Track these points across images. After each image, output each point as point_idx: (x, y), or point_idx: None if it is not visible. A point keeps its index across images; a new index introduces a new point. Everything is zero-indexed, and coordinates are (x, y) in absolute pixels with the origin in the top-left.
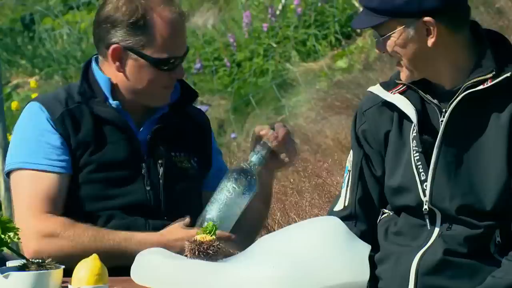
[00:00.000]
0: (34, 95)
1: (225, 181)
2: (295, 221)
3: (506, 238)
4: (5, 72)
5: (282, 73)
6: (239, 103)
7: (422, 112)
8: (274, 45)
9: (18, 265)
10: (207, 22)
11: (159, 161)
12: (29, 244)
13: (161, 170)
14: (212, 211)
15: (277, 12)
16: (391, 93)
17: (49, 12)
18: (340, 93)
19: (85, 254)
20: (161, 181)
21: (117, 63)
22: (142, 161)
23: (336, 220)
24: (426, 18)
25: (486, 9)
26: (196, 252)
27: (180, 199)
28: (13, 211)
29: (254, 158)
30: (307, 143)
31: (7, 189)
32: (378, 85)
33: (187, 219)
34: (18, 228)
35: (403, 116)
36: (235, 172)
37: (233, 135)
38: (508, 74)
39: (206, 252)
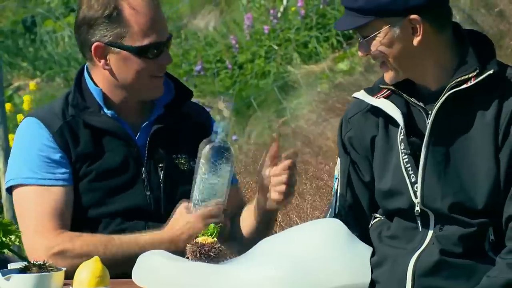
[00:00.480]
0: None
1: (198, 160)
2: (297, 223)
3: (500, 235)
4: (7, 74)
5: (284, 75)
6: (241, 105)
7: (407, 115)
8: (276, 47)
9: (20, 267)
10: (208, 24)
11: (160, 165)
12: None
13: (161, 174)
14: (195, 192)
15: (279, 14)
16: (376, 98)
17: (51, 14)
18: (341, 96)
19: None
20: (161, 185)
21: (102, 61)
22: (142, 166)
23: (337, 222)
24: (413, 16)
25: (487, 11)
26: (198, 254)
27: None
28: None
29: (218, 129)
30: (309, 146)
31: None
32: (362, 90)
33: (184, 204)
34: (20, 231)
35: (388, 120)
36: (205, 149)
37: (234, 137)
38: (491, 72)
39: (208, 254)
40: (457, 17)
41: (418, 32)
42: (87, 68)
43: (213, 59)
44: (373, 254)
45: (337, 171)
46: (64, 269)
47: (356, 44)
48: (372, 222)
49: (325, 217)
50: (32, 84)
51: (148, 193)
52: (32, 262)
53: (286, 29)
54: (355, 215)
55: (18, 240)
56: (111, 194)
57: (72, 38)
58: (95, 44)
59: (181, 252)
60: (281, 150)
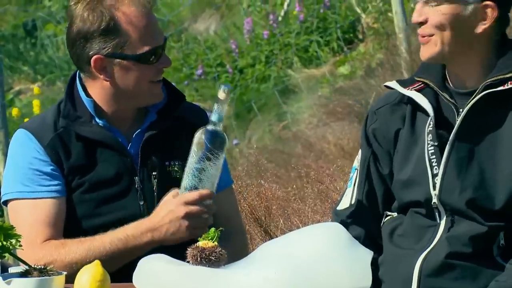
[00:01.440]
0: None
1: (193, 147)
2: (298, 227)
3: (510, 241)
4: (8, 78)
5: (284, 79)
6: (241, 109)
7: (437, 109)
8: (276, 52)
9: (20, 272)
10: (209, 28)
11: (153, 173)
12: None
13: (154, 182)
14: (184, 180)
15: (279, 19)
16: (407, 89)
17: (51, 18)
18: (342, 99)
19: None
20: (155, 193)
21: (102, 74)
22: (135, 175)
23: (338, 226)
24: (489, 2)
25: None
26: (198, 258)
27: None
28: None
29: (213, 117)
30: (309, 149)
31: None
32: (394, 81)
33: (172, 191)
34: (20, 235)
35: (416, 112)
36: (197, 134)
37: (235, 141)
38: None
39: (208, 258)
40: None
41: (487, 21)
42: (79, 76)
43: (214, 63)
44: (380, 253)
45: (356, 162)
46: (65, 273)
47: (358, 48)
48: (384, 220)
49: (335, 208)
50: (36, 88)
51: (141, 202)
52: (32, 266)
53: (286, 33)
54: (369, 206)
55: (19, 244)
56: (105, 204)
57: None
58: (94, 57)
59: (181, 256)
60: (283, 154)
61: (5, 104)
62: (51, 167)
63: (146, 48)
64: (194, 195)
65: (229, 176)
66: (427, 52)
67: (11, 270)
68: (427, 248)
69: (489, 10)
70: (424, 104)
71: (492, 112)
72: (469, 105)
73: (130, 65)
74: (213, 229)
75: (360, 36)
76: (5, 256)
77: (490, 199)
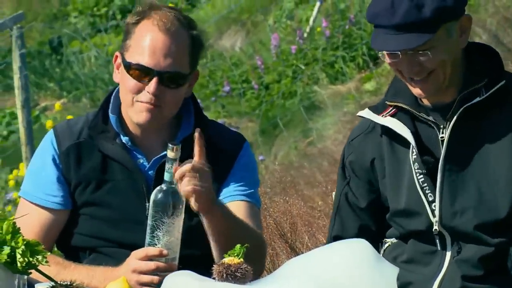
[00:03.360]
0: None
1: (150, 204)
2: (323, 244)
3: None
4: (33, 95)
5: (310, 95)
6: (267, 126)
7: (416, 133)
8: (302, 67)
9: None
10: (234, 45)
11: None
12: None
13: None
14: (146, 236)
15: (305, 35)
16: (382, 116)
17: (77, 35)
18: None
19: None
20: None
21: (117, 71)
22: (146, 202)
23: (363, 243)
24: (465, 15)
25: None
26: (224, 275)
27: (185, 238)
28: None
29: (165, 176)
30: (335, 166)
31: None
32: (367, 109)
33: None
34: (47, 251)
35: (394, 139)
36: (156, 194)
37: (261, 157)
38: (503, 83)
39: (234, 275)
40: (483, 37)
41: (466, 32)
42: (116, 92)
43: (239, 80)
44: None
45: (333, 197)
46: None
47: (383, 64)
48: (384, 247)
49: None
50: (57, 105)
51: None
52: (59, 282)
53: (312, 49)
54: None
55: (45, 260)
56: (111, 227)
57: (99, 58)
58: (116, 52)
59: (208, 273)
60: (308, 170)
61: (31, 120)
62: (58, 176)
63: (136, 60)
64: (141, 252)
65: (257, 198)
66: (427, 89)
67: (37, 286)
68: (438, 274)
69: (465, 22)
70: (402, 132)
71: (474, 126)
72: (451, 125)
73: (122, 69)
74: (238, 245)
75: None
76: (31, 273)
77: (493, 213)
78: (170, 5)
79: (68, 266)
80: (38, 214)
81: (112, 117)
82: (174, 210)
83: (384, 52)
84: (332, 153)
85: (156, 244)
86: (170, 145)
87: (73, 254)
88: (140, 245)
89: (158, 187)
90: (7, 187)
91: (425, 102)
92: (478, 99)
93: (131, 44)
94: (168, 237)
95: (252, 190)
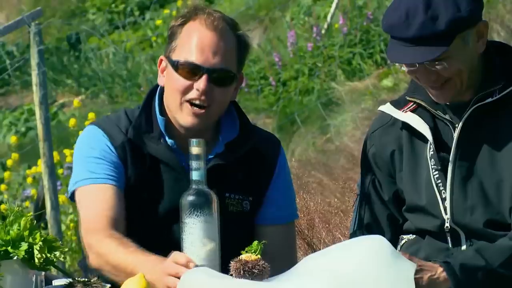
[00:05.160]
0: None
1: (185, 219)
2: (340, 241)
3: None
4: (51, 91)
5: (328, 92)
6: (285, 122)
7: (434, 129)
8: (320, 64)
9: (64, 284)
10: (252, 41)
11: None
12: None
13: None
14: (193, 255)
15: (322, 31)
16: (403, 111)
17: (95, 31)
18: None
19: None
20: None
21: (162, 75)
22: None
23: (381, 239)
24: (481, 22)
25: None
26: (241, 272)
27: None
28: (79, 227)
29: (193, 175)
30: (352, 162)
31: (53, 208)
32: (388, 104)
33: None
34: (64, 248)
35: (414, 134)
36: (184, 196)
37: None
38: None
39: (251, 272)
40: (501, 34)
41: (484, 38)
42: (160, 91)
43: (257, 76)
44: None
45: (358, 188)
46: (109, 286)
47: None
48: (401, 243)
49: (349, 234)
50: (76, 101)
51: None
52: (76, 278)
53: (329, 46)
54: (371, 233)
55: (62, 256)
56: (155, 226)
57: (116, 55)
58: (160, 57)
59: (225, 270)
60: (326, 167)
61: (49, 117)
62: (119, 162)
63: (184, 58)
64: (172, 267)
65: (294, 212)
66: (446, 96)
67: (55, 282)
68: None
69: (481, 27)
70: (421, 129)
71: (486, 126)
72: (463, 120)
73: (170, 70)
74: (256, 242)
75: None
76: (49, 268)
77: (498, 212)
78: (188, 2)
79: (128, 246)
80: (103, 193)
81: (160, 118)
82: (201, 211)
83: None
84: (349, 149)
85: (183, 248)
86: (193, 141)
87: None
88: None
89: (188, 190)
90: (25, 183)
91: None
92: (490, 99)
93: (177, 44)
94: (192, 239)
95: (293, 202)
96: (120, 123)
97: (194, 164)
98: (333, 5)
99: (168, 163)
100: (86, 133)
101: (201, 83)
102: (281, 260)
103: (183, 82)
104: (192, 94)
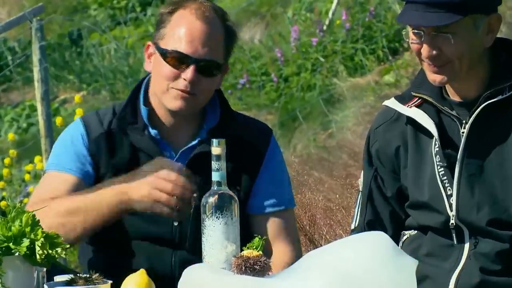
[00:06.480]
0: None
1: (205, 221)
2: (342, 237)
3: None
4: (53, 87)
5: (330, 88)
6: (286, 118)
7: (439, 125)
8: (322, 60)
9: (66, 280)
10: (254, 37)
11: (194, 194)
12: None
13: (193, 204)
14: (213, 258)
15: (324, 27)
16: (407, 106)
17: (97, 27)
18: None
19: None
20: (191, 217)
21: (148, 61)
22: (173, 195)
23: (383, 235)
24: (496, 14)
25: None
26: (243, 268)
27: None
28: None
29: (214, 176)
30: (354, 158)
31: None
32: (393, 98)
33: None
34: (66, 244)
35: (419, 130)
36: (206, 198)
37: None
38: None
39: (253, 268)
40: (503, 30)
41: (494, 32)
42: (146, 83)
43: (258, 72)
44: None
45: (360, 184)
46: (110, 281)
47: (403, 56)
48: (403, 239)
49: (351, 230)
50: (77, 97)
51: (176, 223)
52: (78, 274)
53: (332, 41)
54: (373, 229)
55: (64, 252)
56: (136, 216)
57: (118, 51)
58: (148, 42)
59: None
60: (327, 163)
61: (50, 113)
62: (89, 156)
63: (173, 47)
64: (159, 182)
65: (291, 200)
66: (442, 78)
67: (57, 278)
68: (456, 268)
69: (494, 20)
70: (426, 124)
71: (495, 124)
72: (473, 117)
73: (158, 57)
74: (257, 238)
75: (405, 45)
76: (50, 265)
77: (505, 211)
78: None
79: (76, 195)
80: (65, 180)
81: (144, 109)
82: (221, 212)
83: (409, 31)
84: (351, 145)
85: (203, 250)
86: (214, 141)
87: (98, 244)
88: (160, 237)
89: (209, 191)
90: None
91: (451, 96)
92: (500, 97)
93: (166, 32)
94: (212, 241)
95: (287, 190)
96: (105, 116)
97: (215, 164)
98: (335, 1)
99: (150, 154)
100: (71, 124)
101: (188, 73)
102: (276, 248)
103: (171, 70)
104: (179, 83)
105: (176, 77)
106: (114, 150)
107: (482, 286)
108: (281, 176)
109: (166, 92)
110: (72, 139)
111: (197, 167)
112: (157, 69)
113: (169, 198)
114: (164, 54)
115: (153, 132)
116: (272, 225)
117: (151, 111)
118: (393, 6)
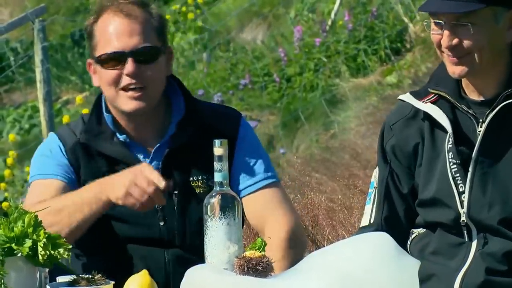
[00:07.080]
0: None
1: (208, 221)
2: (344, 237)
3: None
4: (55, 88)
5: (332, 88)
6: (288, 119)
7: (454, 122)
8: (325, 60)
9: (68, 281)
10: (256, 38)
11: (175, 192)
12: None
13: (176, 201)
14: (215, 258)
15: (327, 28)
16: (423, 102)
17: None
18: (389, 109)
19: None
20: (175, 213)
21: (94, 76)
22: None
23: (385, 236)
24: None
25: None
26: (245, 268)
27: (196, 230)
28: None
29: (216, 177)
30: (357, 159)
31: None
32: (408, 93)
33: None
34: (68, 244)
35: (434, 126)
36: (207, 199)
37: (282, 151)
38: None
39: (255, 268)
40: None
41: None
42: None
43: (261, 73)
44: None
45: (374, 180)
46: (113, 282)
47: (405, 57)
48: (411, 237)
49: (360, 226)
50: (79, 98)
51: (161, 223)
52: (80, 275)
53: (334, 42)
54: (391, 227)
55: (66, 253)
56: (122, 222)
57: None
58: (87, 61)
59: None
60: (330, 163)
61: (53, 113)
62: (68, 164)
63: (105, 50)
64: (142, 179)
65: (255, 178)
66: (462, 70)
67: (59, 279)
68: (463, 267)
69: None
70: (441, 120)
71: (510, 123)
72: (491, 115)
73: (98, 68)
74: (260, 239)
75: (408, 45)
76: (52, 266)
77: None
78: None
79: (59, 197)
80: (50, 186)
81: (107, 116)
82: (223, 213)
83: (431, 21)
84: (353, 146)
85: (205, 250)
86: (215, 141)
87: (84, 250)
88: (150, 238)
89: (211, 192)
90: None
91: (468, 95)
92: None
93: (96, 42)
94: (215, 242)
95: (264, 167)
96: (76, 128)
97: (217, 165)
98: (337, 2)
99: (123, 160)
100: (45, 139)
101: (129, 67)
102: (269, 222)
103: (112, 73)
104: (124, 81)
105: (119, 77)
106: (90, 160)
107: (488, 285)
108: (257, 154)
109: (117, 96)
110: (51, 150)
111: (173, 164)
112: (101, 79)
113: (142, 194)
114: (100, 61)
115: (121, 137)
116: (260, 202)
117: (114, 118)
118: (395, 6)
